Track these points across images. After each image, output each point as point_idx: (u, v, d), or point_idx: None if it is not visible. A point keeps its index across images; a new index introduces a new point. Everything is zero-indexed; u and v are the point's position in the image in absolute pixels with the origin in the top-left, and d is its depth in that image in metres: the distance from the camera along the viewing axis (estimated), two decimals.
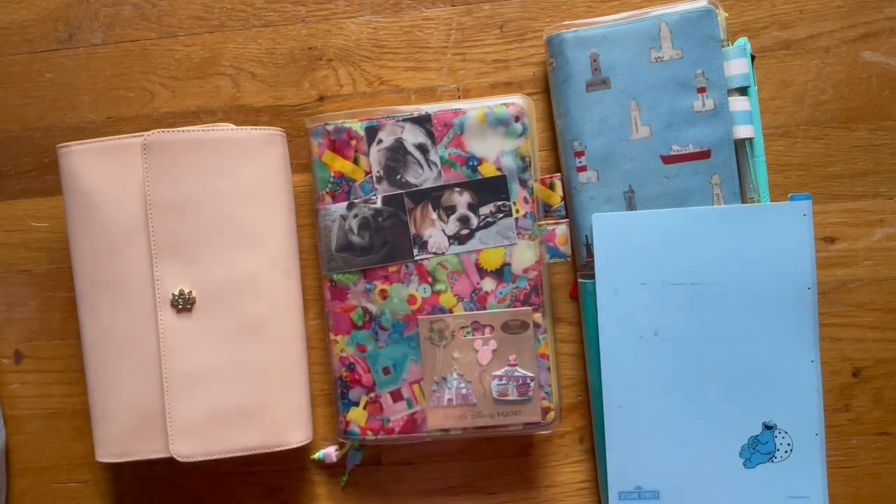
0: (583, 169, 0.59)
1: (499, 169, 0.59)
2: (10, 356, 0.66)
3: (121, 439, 0.58)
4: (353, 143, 0.60)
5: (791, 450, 0.57)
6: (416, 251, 0.60)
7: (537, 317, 0.59)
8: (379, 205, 0.60)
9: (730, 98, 0.58)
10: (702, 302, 0.58)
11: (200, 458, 0.58)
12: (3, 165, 0.66)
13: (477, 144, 0.59)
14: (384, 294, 0.60)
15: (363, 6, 0.64)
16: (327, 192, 0.60)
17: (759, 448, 0.57)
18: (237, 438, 0.58)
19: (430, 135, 0.59)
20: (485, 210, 0.59)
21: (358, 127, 0.60)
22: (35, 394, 0.66)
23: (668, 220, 0.58)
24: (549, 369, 0.59)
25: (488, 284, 0.59)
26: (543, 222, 0.59)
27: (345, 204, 0.60)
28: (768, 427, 0.57)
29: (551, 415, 0.59)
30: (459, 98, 0.63)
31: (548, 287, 0.60)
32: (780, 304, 0.57)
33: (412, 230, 0.60)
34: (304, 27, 0.64)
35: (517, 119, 0.59)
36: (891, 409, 0.61)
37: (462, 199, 0.59)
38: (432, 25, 0.64)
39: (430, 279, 0.59)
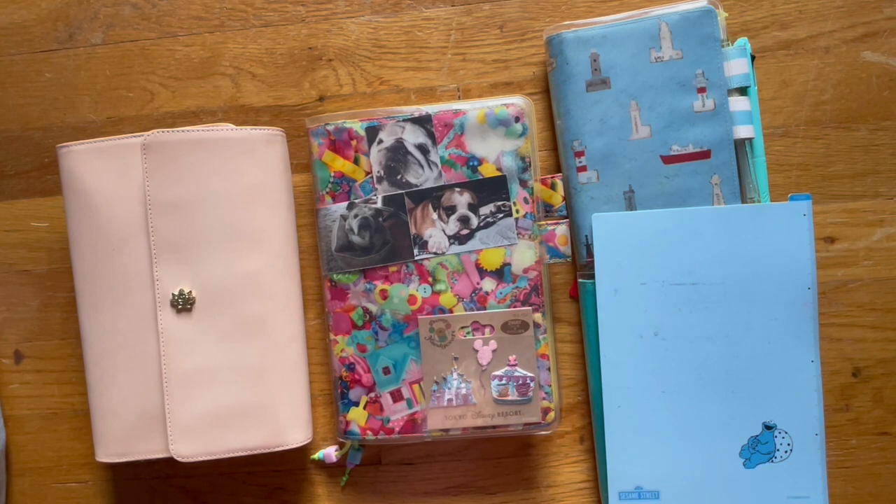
0: (583, 169, 0.59)
1: (499, 169, 0.59)
2: (10, 356, 0.66)
3: (121, 439, 0.58)
4: (354, 143, 0.60)
5: (791, 450, 0.57)
6: (416, 251, 0.60)
7: (537, 317, 0.59)
8: (379, 205, 0.60)
9: (730, 98, 0.58)
10: (702, 302, 0.58)
11: (200, 458, 0.58)
12: (3, 165, 0.66)
13: (477, 145, 0.59)
14: (384, 294, 0.60)
15: (363, 6, 0.64)
16: (327, 192, 0.60)
17: (759, 448, 0.57)
18: (237, 438, 0.58)
19: (430, 135, 0.59)
20: (485, 210, 0.59)
21: (358, 127, 0.60)
22: (35, 394, 0.66)
23: (668, 220, 0.58)
24: (549, 369, 0.59)
25: (488, 284, 0.59)
26: (543, 222, 0.59)
27: (345, 204, 0.60)
28: (768, 427, 0.57)
29: (551, 415, 0.59)
30: (459, 98, 0.63)
31: (548, 287, 0.60)
32: (780, 303, 0.57)
33: (412, 230, 0.60)
34: (304, 27, 0.64)
35: (517, 119, 0.59)
36: (891, 409, 0.61)
37: (462, 200, 0.59)
38: (432, 25, 0.64)
39: (430, 279, 0.60)
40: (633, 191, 0.59)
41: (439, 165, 0.59)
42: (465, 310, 0.59)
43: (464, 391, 0.59)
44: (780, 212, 0.57)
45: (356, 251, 0.60)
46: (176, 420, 0.57)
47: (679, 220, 0.58)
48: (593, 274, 0.59)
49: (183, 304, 0.58)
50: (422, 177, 0.60)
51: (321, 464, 0.64)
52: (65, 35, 0.66)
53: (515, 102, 0.59)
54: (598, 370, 0.59)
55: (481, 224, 0.59)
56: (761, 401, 0.57)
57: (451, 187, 0.59)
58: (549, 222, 0.59)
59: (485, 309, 0.59)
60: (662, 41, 0.58)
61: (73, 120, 0.66)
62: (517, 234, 0.59)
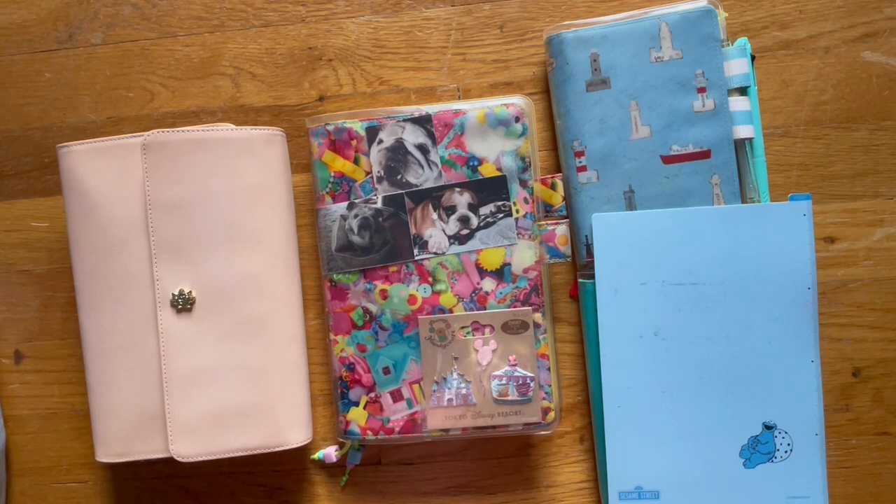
0: (583, 169, 0.59)
1: (499, 169, 0.59)
2: (10, 356, 0.66)
3: (121, 439, 0.58)
4: (354, 143, 0.60)
5: (791, 450, 0.57)
6: (416, 251, 0.60)
7: (537, 317, 0.59)
8: (379, 205, 0.60)
9: (730, 98, 0.58)
10: (702, 302, 0.58)
11: (200, 458, 0.58)
12: (3, 165, 0.66)
13: (477, 145, 0.59)
14: (384, 294, 0.60)
15: (363, 6, 0.64)
16: (327, 192, 0.60)
17: (759, 448, 0.57)
18: (237, 438, 0.58)
19: (430, 135, 0.59)
20: (485, 210, 0.59)
21: (358, 127, 0.60)
22: (35, 394, 0.66)
23: (668, 220, 0.58)
24: (549, 369, 0.59)
25: (488, 284, 0.59)
26: (543, 222, 0.59)
27: (345, 204, 0.60)
28: (768, 427, 0.57)
29: (551, 415, 0.59)
30: (460, 98, 0.63)
31: (548, 287, 0.60)
32: (780, 303, 0.57)
33: (412, 230, 0.60)
34: (304, 27, 0.64)
35: (517, 119, 0.59)
36: (891, 409, 0.61)
37: (462, 200, 0.59)
38: (432, 25, 0.64)
39: (430, 279, 0.60)
40: (633, 191, 0.59)
41: (439, 165, 0.59)
42: (465, 310, 0.59)
43: (464, 391, 0.59)
44: (780, 212, 0.57)
45: (356, 251, 0.60)
46: (176, 420, 0.57)
47: (679, 220, 0.58)
48: (593, 274, 0.59)
49: (183, 304, 0.58)
50: (422, 177, 0.60)
51: (321, 464, 0.64)
52: (65, 35, 0.66)
53: (515, 102, 0.59)
54: (598, 370, 0.59)
55: (481, 224, 0.59)
56: (761, 401, 0.57)
57: (451, 187, 0.59)
58: (549, 222, 0.59)
59: (485, 309, 0.59)
60: (662, 41, 0.58)
61: (73, 120, 0.66)
62: (517, 234, 0.59)
